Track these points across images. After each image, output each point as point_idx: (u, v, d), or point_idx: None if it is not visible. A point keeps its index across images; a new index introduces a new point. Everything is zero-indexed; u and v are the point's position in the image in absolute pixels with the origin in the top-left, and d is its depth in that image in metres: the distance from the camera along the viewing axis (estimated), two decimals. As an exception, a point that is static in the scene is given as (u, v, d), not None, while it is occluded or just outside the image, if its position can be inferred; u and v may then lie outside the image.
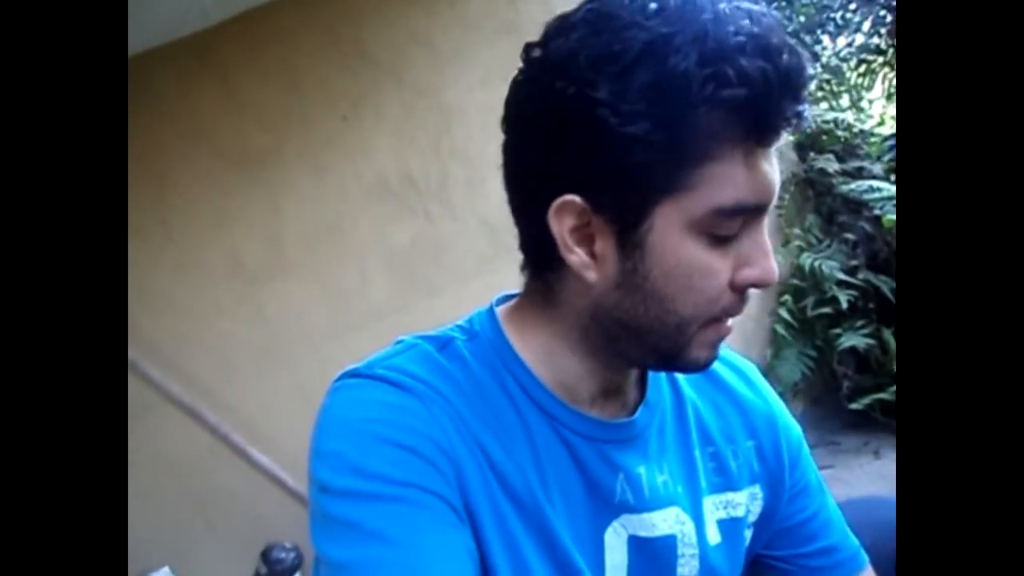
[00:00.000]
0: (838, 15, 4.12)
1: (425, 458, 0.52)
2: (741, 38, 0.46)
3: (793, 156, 3.14)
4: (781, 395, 0.77)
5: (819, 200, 3.16)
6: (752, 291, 0.55)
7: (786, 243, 2.99)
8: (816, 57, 3.92)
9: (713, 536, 0.64)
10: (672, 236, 0.51)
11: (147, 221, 2.23)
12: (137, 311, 2.17)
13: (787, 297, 2.93)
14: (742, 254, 0.52)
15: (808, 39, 3.90)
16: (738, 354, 0.74)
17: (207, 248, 2.33)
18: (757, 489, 0.68)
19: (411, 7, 2.45)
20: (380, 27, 2.40)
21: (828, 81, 3.84)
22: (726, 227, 0.51)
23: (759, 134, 0.49)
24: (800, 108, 0.49)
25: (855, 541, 0.71)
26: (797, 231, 3.03)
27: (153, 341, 2.21)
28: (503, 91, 0.58)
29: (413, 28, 2.44)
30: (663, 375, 0.67)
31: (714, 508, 0.65)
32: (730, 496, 0.66)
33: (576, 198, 0.52)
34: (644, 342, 0.56)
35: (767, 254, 0.53)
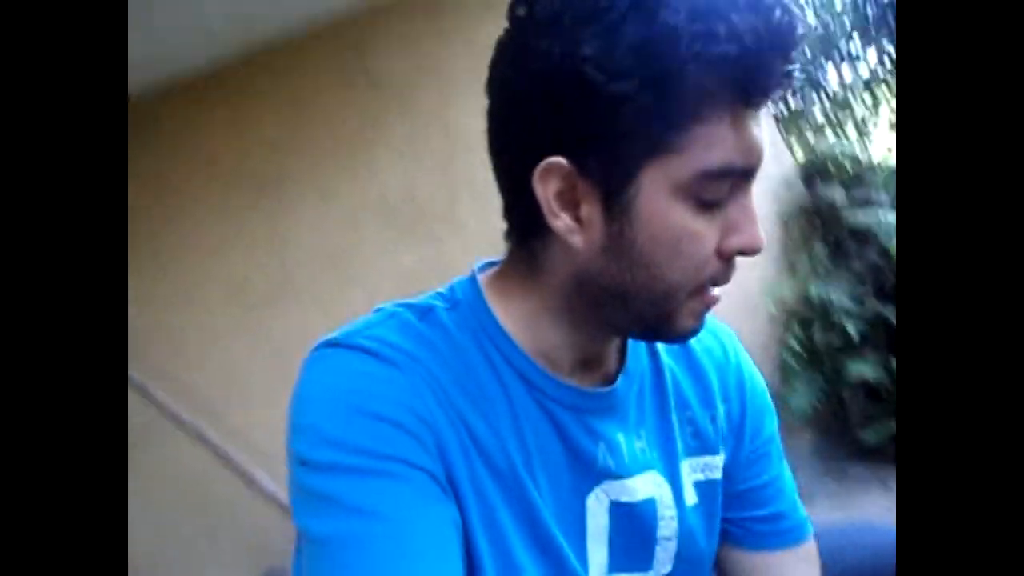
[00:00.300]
0: (844, 45, 4.16)
1: (406, 430, 0.51)
2: None
3: (800, 186, 3.16)
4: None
5: (826, 230, 3.15)
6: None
7: (793, 272, 2.98)
8: (822, 87, 3.95)
9: (690, 497, 0.65)
10: (659, 200, 0.50)
11: (152, 248, 2.25)
12: (146, 335, 2.18)
13: (795, 326, 2.91)
14: (729, 221, 0.52)
15: (813, 69, 3.93)
16: (717, 322, 0.73)
17: (214, 273, 2.35)
18: (725, 452, 0.69)
19: (419, 35, 2.48)
20: (387, 55, 2.44)
21: (834, 111, 3.87)
22: (713, 191, 0.50)
23: (748, 94, 0.48)
24: (790, 68, 0.49)
25: (803, 513, 0.72)
26: (804, 260, 3.02)
27: (161, 364, 2.22)
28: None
29: (421, 55, 2.47)
30: (642, 343, 0.66)
31: (691, 471, 0.66)
32: (707, 459, 0.67)
33: (562, 161, 0.51)
34: (630, 310, 0.55)
35: (754, 220, 0.52)
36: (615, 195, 0.51)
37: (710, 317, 0.70)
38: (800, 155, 3.13)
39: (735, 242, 0.52)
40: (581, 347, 0.60)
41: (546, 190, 0.52)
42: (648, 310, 0.55)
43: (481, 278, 0.62)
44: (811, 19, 3.98)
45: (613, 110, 0.48)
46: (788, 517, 0.71)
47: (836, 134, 3.71)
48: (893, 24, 3.83)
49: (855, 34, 4.14)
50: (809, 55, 3.92)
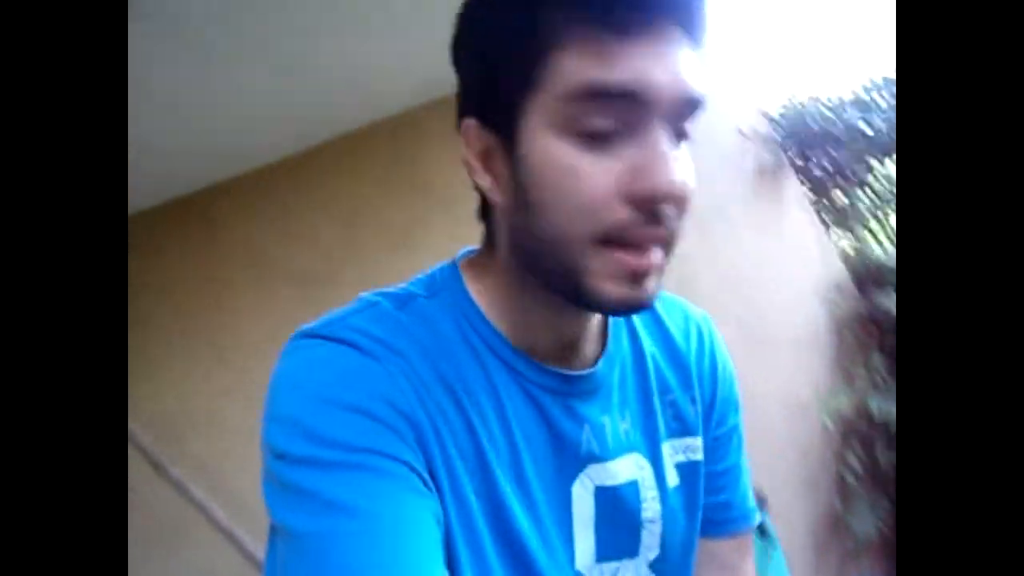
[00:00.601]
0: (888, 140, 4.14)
1: (384, 422, 0.50)
2: None
3: (853, 291, 3.06)
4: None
5: (883, 338, 3.02)
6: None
7: (850, 384, 2.84)
8: (868, 186, 3.91)
9: (672, 479, 0.65)
10: (541, 139, 0.49)
11: (199, 343, 2.28)
12: (184, 430, 2.17)
13: (855, 443, 2.73)
14: (634, 162, 0.48)
15: (859, 167, 3.91)
16: (695, 308, 0.74)
17: (259, 369, 2.34)
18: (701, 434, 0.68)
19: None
20: (433, 161, 2.51)
21: (883, 209, 3.80)
22: (589, 119, 0.48)
23: (605, 17, 0.47)
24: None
25: (751, 504, 0.73)
26: (861, 371, 2.87)
27: (202, 458, 2.19)
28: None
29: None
30: (623, 328, 0.66)
31: (672, 452, 0.66)
32: (688, 441, 0.67)
33: (472, 120, 0.53)
34: (546, 268, 0.53)
35: (659, 159, 0.48)
36: (510, 143, 0.51)
37: (683, 301, 0.73)
38: (851, 259, 3.05)
39: (639, 185, 0.48)
40: (556, 328, 0.59)
41: (468, 151, 0.54)
42: (556, 267, 0.52)
43: (462, 264, 0.62)
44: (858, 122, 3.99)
45: (483, 55, 0.52)
46: (736, 507, 0.72)
47: (887, 236, 3.63)
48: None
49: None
50: (854, 155, 3.91)
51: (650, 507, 0.62)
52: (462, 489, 0.53)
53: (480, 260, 0.61)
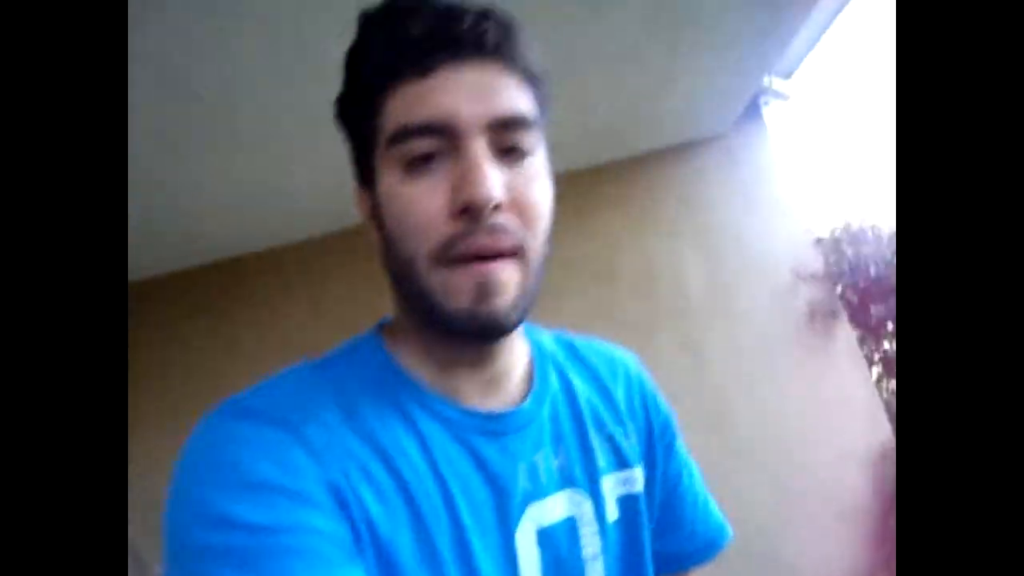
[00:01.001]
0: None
1: (299, 495, 0.48)
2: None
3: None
4: None
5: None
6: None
7: (891, 570, 2.59)
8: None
9: (612, 513, 0.65)
10: (384, 177, 0.55)
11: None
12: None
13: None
14: (453, 179, 0.52)
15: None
16: (619, 348, 0.76)
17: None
18: (642, 467, 0.69)
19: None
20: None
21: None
22: (409, 151, 0.53)
23: (410, 64, 0.53)
24: (424, 29, 0.53)
25: (720, 527, 0.76)
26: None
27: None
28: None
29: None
30: (550, 367, 0.67)
31: (613, 485, 0.66)
32: (627, 473, 0.67)
33: (355, 183, 0.61)
34: (409, 300, 0.57)
35: (472, 171, 0.51)
36: (371, 182, 0.57)
37: (604, 342, 0.76)
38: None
39: (458, 197, 0.52)
40: (468, 364, 0.59)
41: (361, 214, 0.61)
42: (410, 290, 0.55)
43: (384, 326, 0.64)
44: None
45: (341, 116, 0.60)
46: (700, 536, 0.74)
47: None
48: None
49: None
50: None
51: (589, 543, 0.62)
52: (395, 553, 0.51)
53: (397, 318, 0.63)
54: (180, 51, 1.50)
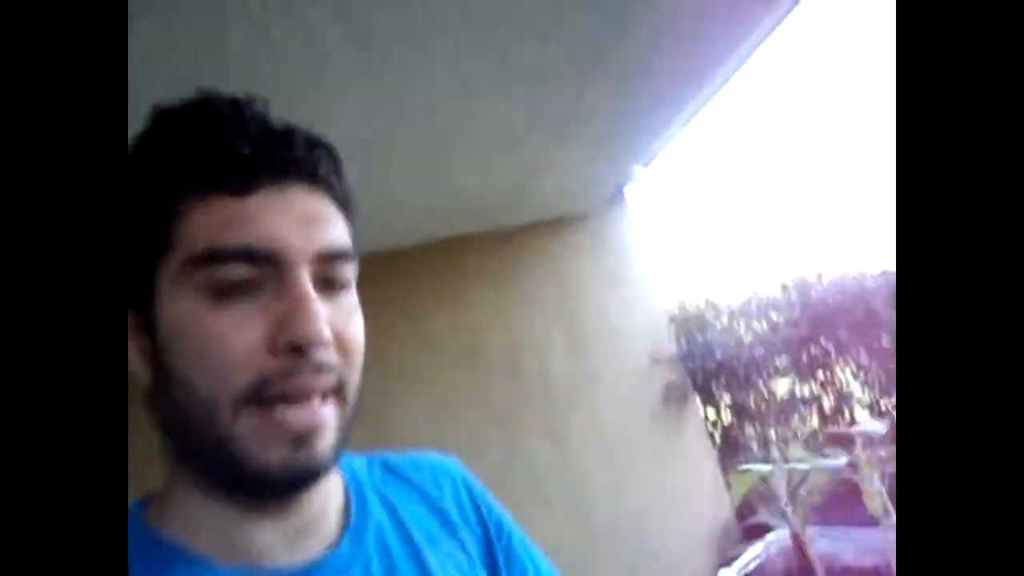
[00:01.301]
0: (771, 364, 4.32)
1: None
2: (184, 110, 0.51)
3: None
4: None
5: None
6: None
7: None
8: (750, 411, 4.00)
9: None
10: (174, 301, 0.48)
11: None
12: None
13: None
14: (277, 312, 0.48)
15: (746, 394, 4.01)
16: (435, 455, 0.72)
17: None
18: (485, 574, 0.66)
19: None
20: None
21: (774, 433, 3.87)
22: (223, 275, 0.47)
23: (226, 180, 0.49)
24: (250, 146, 0.49)
25: None
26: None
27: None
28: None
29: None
30: (369, 493, 0.63)
31: None
32: None
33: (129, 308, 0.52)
34: (193, 450, 0.49)
35: (302, 306, 0.47)
36: (145, 313, 0.50)
37: (419, 452, 0.72)
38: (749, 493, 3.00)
39: (284, 334, 0.47)
40: (268, 517, 0.52)
41: (131, 342, 0.51)
42: (204, 445, 0.48)
43: (153, 493, 0.56)
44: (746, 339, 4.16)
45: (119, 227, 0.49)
46: None
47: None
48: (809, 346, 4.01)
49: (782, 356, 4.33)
50: (743, 377, 4.04)
51: None
52: None
53: (169, 480, 0.54)
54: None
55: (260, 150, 0.49)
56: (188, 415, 0.48)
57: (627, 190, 3.23)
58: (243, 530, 0.52)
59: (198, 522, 0.52)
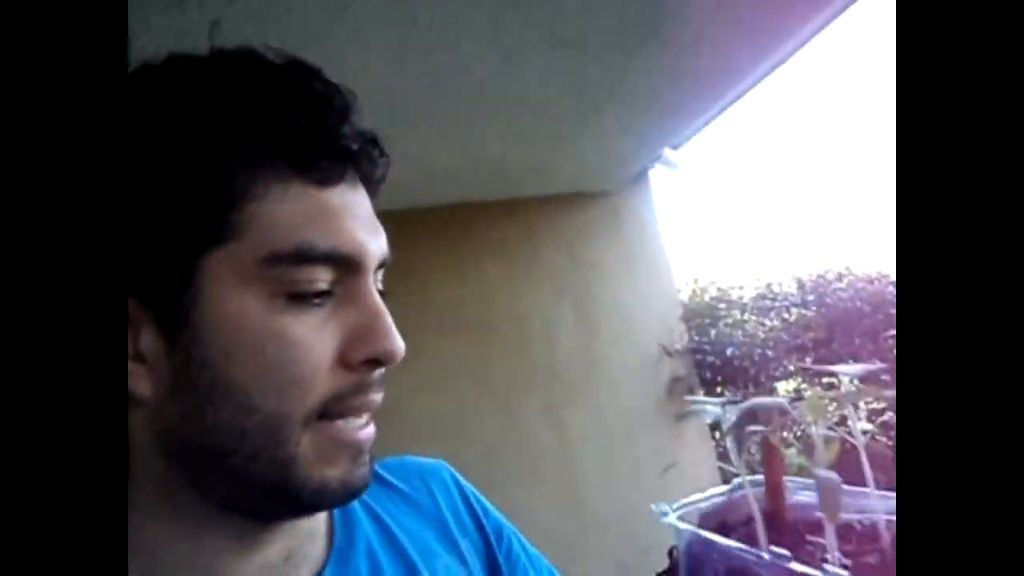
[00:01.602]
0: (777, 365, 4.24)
1: None
2: (269, 73, 0.44)
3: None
4: None
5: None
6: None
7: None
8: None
9: None
10: (229, 300, 0.41)
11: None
12: None
13: None
14: (355, 325, 0.44)
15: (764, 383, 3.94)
16: (422, 459, 0.68)
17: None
18: None
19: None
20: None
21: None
22: (302, 280, 0.42)
23: (307, 166, 0.43)
24: (349, 134, 0.45)
25: None
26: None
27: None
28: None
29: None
30: (354, 508, 0.57)
31: None
32: None
33: (133, 299, 0.43)
34: (232, 471, 0.41)
35: (381, 319, 0.44)
36: (170, 305, 0.41)
37: (405, 457, 0.66)
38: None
39: (366, 349, 0.44)
40: (239, 552, 0.46)
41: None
42: (254, 465, 0.41)
43: None
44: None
45: (153, 205, 0.41)
46: None
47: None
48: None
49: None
50: (751, 376, 3.95)
51: None
52: None
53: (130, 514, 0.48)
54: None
55: (346, 138, 0.45)
56: (233, 435, 0.41)
57: (652, 172, 3.11)
58: (224, 564, 0.46)
59: (169, 560, 0.45)
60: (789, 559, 0.70)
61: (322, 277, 0.43)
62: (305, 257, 0.42)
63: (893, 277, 3.87)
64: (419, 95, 1.80)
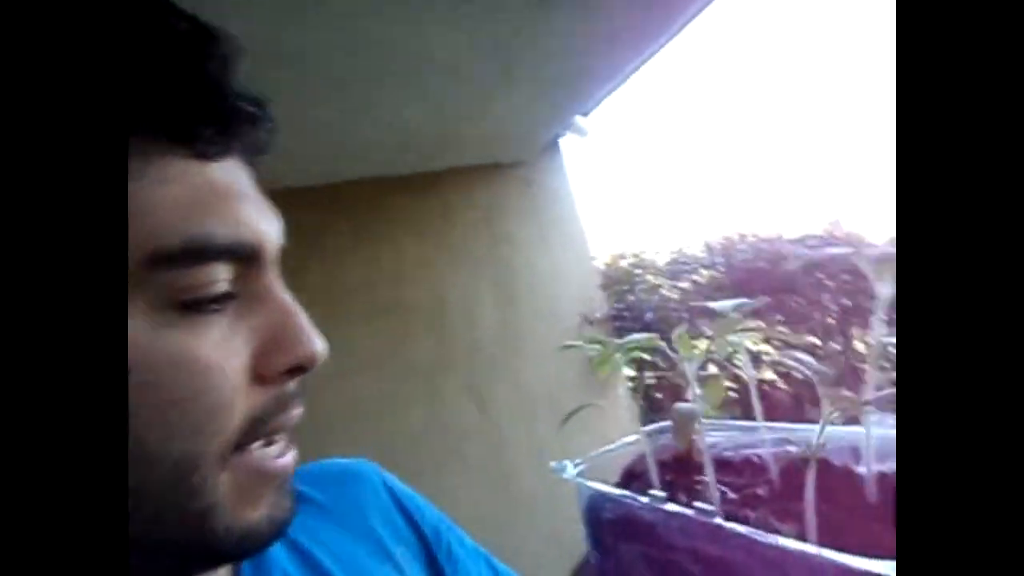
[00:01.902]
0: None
1: None
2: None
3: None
4: None
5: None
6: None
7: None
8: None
9: None
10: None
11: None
12: None
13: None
14: (260, 329, 0.37)
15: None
16: (343, 461, 0.61)
17: None
18: None
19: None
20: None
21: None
22: (197, 284, 0.33)
23: (188, 135, 0.34)
24: (236, 94, 0.36)
25: None
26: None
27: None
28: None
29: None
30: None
31: None
32: None
33: None
34: (148, 524, 0.33)
35: (297, 320, 0.38)
36: None
37: (325, 462, 0.60)
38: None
39: (284, 358, 0.37)
40: None
41: None
42: (160, 526, 0.33)
43: None
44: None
45: None
46: None
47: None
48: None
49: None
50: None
51: None
52: None
53: None
54: None
55: (246, 105, 0.38)
56: (142, 493, 0.32)
57: (563, 140, 3.06)
58: None
59: None
60: (663, 500, 0.69)
61: (221, 277, 0.35)
62: (200, 254, 0.34)
63: (787, 236, 4.07)
64: (316, 56, 1.65)
